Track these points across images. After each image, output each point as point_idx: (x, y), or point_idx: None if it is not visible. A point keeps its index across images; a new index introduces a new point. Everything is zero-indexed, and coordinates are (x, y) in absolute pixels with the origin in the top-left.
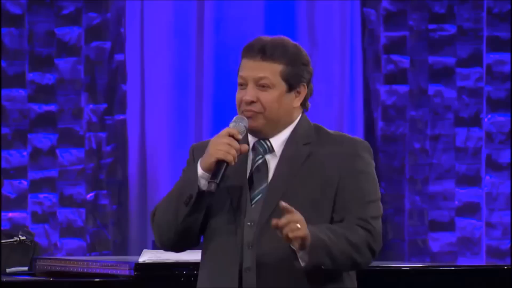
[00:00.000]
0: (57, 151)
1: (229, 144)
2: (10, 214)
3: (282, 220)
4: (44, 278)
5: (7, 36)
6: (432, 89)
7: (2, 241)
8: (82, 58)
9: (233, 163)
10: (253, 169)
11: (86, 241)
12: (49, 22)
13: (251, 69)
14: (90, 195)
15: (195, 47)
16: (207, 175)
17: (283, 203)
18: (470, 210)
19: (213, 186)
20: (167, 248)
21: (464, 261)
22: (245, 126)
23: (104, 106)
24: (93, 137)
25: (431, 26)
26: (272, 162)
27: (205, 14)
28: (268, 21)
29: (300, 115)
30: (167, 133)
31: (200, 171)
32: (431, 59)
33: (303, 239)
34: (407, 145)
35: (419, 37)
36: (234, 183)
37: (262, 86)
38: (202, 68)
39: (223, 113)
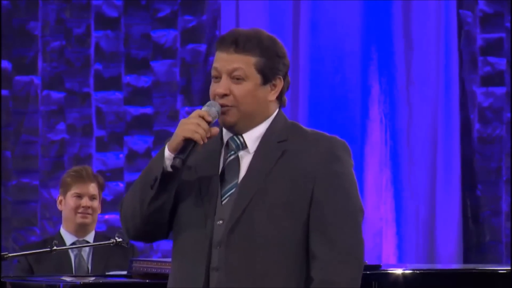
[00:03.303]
0: (153, 154)
1: (197, 124)
2: (107, 216)
3: None
4: (139, 280)
5: (103, 39)
6: None
7: (100, 243)
8: (178, 60)
9: (201, 142)
10: (224, 165)
11: None
12: (145, 24)
13: (225, 60)
14: None
15: (291, 48)
16: (173, 155)
17: None
18: None
19: (177, 162)
20: (135, 237)
21: None
22: (217, 111)
23: (200, 108)
24: None
25: None
26: (245, 159)
27: (301, 15)
28: (364, 22)
29: (277, 110)
30: None
31: (167, 152)
32: None
33: None
34: (504, 147)
35: None
36: (205, 178)
37: (235, 78)
38: (298, 70)
39: (318, 115)
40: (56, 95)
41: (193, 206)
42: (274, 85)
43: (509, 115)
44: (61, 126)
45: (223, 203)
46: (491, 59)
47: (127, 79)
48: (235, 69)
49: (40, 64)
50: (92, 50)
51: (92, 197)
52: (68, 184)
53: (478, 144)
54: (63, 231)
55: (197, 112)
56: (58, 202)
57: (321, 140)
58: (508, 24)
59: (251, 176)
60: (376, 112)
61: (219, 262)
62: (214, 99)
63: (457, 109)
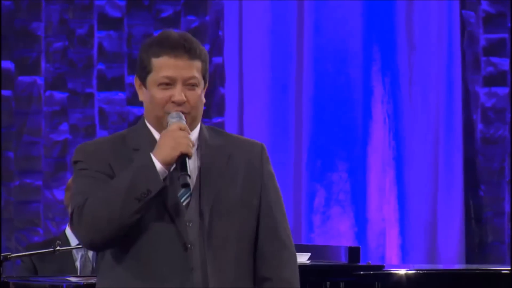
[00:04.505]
0: None
1: (189, 138)
2: None
3: None
4: None
5: (106, 39)
6: None
7: None
8: None
9: (191, 156)
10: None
11: None
12: (148, 25)
13: (181, 68)
14: None
15: (295, 49)
16: (165, 170)
17: None
18: None
19: (188, 179)
20: (98, 246)
21: None
22: (185, 123)
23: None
24: None
25: None
26: (191, 162)
27: (305, 15)
28: (367, 23)
29: None
30: (266, 135)
31: (159, 165)
32: None
33: None
34: (506, 148)
35: None
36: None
37: (190, 85)
38: (302, 70)
39: (322, 115)
40: (59, 95)
41: (154, 209)
42: (205, 88)
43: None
44: (64, 126)
45: (184, 204)
46: (494, 59)
47: (130, 79)
48: (191, 77)
49: (43, 64)
50: (95, 51)
51: None
52: None
53: (480, 145)
54: (69, 232)
55: (178, 125)
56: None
57: (253, 143)
58: (510, 25)
59: (208, 177)
60: (379, 113)
61: (195, 262)
62: (164, 106)
63: (460, 110)
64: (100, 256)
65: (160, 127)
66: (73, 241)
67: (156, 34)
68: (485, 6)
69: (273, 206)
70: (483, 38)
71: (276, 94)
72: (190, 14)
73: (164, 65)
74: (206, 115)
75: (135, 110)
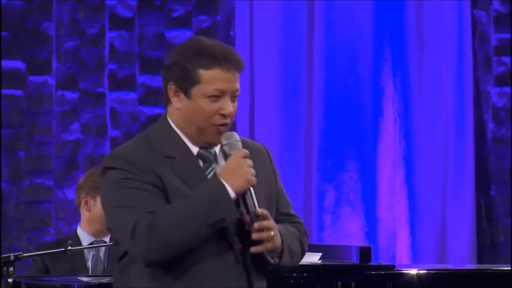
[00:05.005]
0: None
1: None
2: None
3: (264, 223)
4: None
5: (117, 39)
6: None
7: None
8: None
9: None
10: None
11: None
12: (159, 25)
13: (230, 81)
14: None
15: (306, 49)
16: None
17: (260, 210)
18: None
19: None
20: (150, 263)
21: None
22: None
23: None
24: None
25: None
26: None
27: (315, 15)
28: (378, 23)
29: None
30: (277, 135)
31: (232, 194)
32: None
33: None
34: None
35: None
36: None
37: (235, 97)
38: (312, 70)
39: (333, 115)
40: (70, 95)
41: None
42: None
43: None
44: (75, 126)
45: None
46: (505, 59)
47: (141, 79)
48: (237, 90)
49: (54, 64)
50: (106, 50)
51: None
52: None
53: (492, 144)
54: (80, 232)
55: (245, 153)
56: (82, 203)
57: (258, 146)
58: None
59: None
60: (389, 112)
61: (244, 266)
62: (212, 118)
63: (471, 109)
64: (115, 258)
65: (199, 137)
66: (85, 241)
67: (167, 34)
68: (496, 5)
69: (282, 197)
70: (494, 38)
71: (287, 93)
72: (202, 14)
73: (217, 78)
74: None
75: (146, 110)
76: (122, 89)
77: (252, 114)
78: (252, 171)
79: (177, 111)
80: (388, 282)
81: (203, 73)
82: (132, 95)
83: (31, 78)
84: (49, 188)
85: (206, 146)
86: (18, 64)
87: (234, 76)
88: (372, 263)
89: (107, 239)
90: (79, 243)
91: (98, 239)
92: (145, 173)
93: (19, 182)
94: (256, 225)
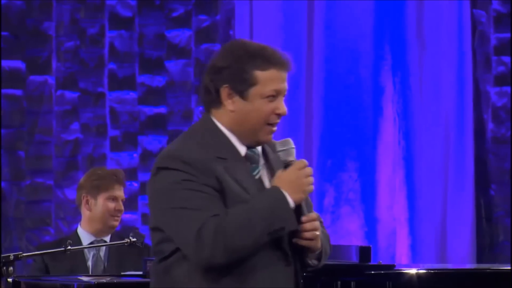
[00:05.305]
0: None
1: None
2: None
3: (315, 224)
4: None
5: (117, 38)
6: None
7: (114, 242)
8: (192, 60)
9: None
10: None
11: None
12: (159, 24)
13: (284, 81)
14: None
15: (305, 48)
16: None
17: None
18: None
19: None
20: (210, 265)
21: None
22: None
23: None
24: None
25: None
26: (262, 171)
27: (315, 15)
28: (377, 22)
29: None
30: (276, 134)
31: (292, 205)
32: None
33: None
34: None
35: None
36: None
37: (284, 96)
38: (312, 70)
39: (332, 114)
40: (70, 95)
41: None
42: None
43: None
44: (75, 126)
45: None
46: (505, 58)
47: (141, 79)
48: (286, 89)
49: (54, 64)
50: (106, 50)
51: (122, 200)
52: (104, 186)
53: (491, 144)
54: (81, 231)
55: (304, 163)
56: (83, 202)
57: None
58: None
59: None
60: (389, 112)
61: (292, 275)
62: (269, 117)
63: (471, 109)
64: (159, 258)
65: (250, 137)
66: (85, 240)
67: (167, 33)
68: (496, 5)
69: (310, 206)
70: (494, 38)
71: (287, 93)
72: (201, 14)
73: (274, 79)
74: None
75: (146, 110)
76: (122, 88)
77: None
78: (311, 179)
79: (229, 113)
80: (387, 282)
81: (260, 74)
82: (132, 95)
83: (31, 77)
84: (49, 188)
85: (252, 146)
86: (18, 64)
87: (285, 76)
88: (372, 262)
89: (107, 238)
90: (80, 243)
91: (99, 239)
92: (204, 175)
93: (19, 181)
94: (308, 225)
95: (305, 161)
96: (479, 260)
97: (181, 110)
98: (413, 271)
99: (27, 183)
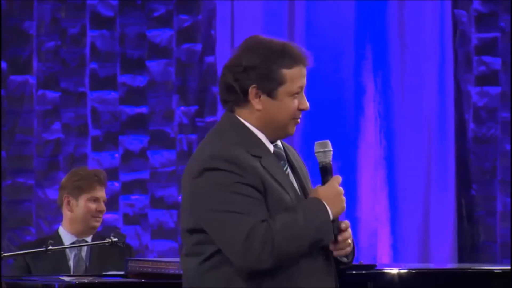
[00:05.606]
0: (148, 153)
1: None
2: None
3: (347, 234)
4: (136, 280)
5: (98, 38)
6: None
7: (95, 242)
8: (173, 60)
9: None
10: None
11: (178, 242)
12: (141, 24)
13: (305, 77)
14: (181, 197)
15: None
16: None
17: (344, 224)
18: None
19: None
20: (252, 270)
21: None
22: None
23: (195, 108)
24: (184, 139)
25: None
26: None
27: (296, 14)
28: (359, 22)
29: None
30: None
31: (331, 218)
32: None
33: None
34: (498, 147)
35: (510, 38)
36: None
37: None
38: None
39: (314, 114)
40: (51, 94)
41: None
42: None
43: (503, 114)
44: (56, 125)
45: None
46: (486, 58)
47: (122, 78)
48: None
49: (35, 63)
50: (87, 50)
51: (104, 201)
52: (85, 186)
53: (473, 144)
54: (62, 231)
55: (339, 180)
56: (64, 203)
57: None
58: (503, 24)
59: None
60: (371, 112)
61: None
62: (295, 114)
63: (452, 109)
64: (198, 259)
65: (278, 133)
66: (66, 240)
67: (148, 33)
68: (477, 5)
69: None
70: (475, 37)
71: None
72: (183, 13)
73: (299, 76)
74: (199, 115)
75: (128, 110)
76: (103, 88)
77: None
78: (344, 198)
79: (255, 112)
80: (369, 282)
81: (287, 72)
82: (114, 95)
83: (12, 77)
84: (30, 188)
85: (274, 142)
86: None
87: (305, 72)
88: (353, 262)
89: (89, 238)
90: (61, 243)
91: (80, 239)
92: (249, 175)
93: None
94: (340, 237)
95: (340, 178)
96: (460, 260)
97: (162, 110)
98: (394, 271)
99: (8, 183)
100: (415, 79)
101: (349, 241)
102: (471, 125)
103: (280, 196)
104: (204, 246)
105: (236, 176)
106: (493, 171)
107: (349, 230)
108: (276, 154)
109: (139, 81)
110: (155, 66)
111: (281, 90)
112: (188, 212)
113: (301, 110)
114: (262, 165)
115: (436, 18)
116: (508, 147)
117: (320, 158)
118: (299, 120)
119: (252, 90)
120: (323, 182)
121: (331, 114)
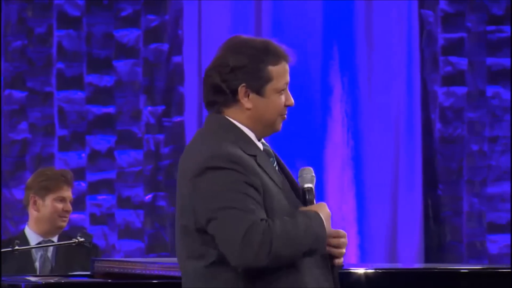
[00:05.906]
0: (115, 153)
1: None
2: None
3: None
4: (102, 280)
5: (65, 38)
6: (490, 90)
7: (62, 242)
8: (141, 60)
9: None
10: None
11: (144, 242)
12: (108, 24)
13: (288, 74)
14: (148, 197)
15: None
16: None
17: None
18: None
19: None
20: (247, 268)
21: None
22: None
23: (162, 108)
24: (151, 139)
25: (489, 28)
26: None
27: (263, 15)
28: (326, 22)
29: None
30: None
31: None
32: (489, 60)
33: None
34: (465, 147)
35: (476, 39)
36: (291, 194)
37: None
38: None
39: None
40: (18, 94)
41: None
42: None
43: (470, 115)
44: (23, 125)
45: None
46: (452, 58)
47: (89, 78)
48: None
49: (2, 63)
50: (54, 50)
51: (70, 201)
52: (52, 187)
53: (439, 144)
54: (28, 231)
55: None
56: (30, 203)
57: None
58: (469, 24)
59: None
60: (338, 112)
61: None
62: (282, 111)
63: (419, 109)
64: (205, 261)
65: (267, 130)
66: (32, 240)
67: (115, 33)
68: (443, 5)
69: None
70: (441, 38)
71: None
72: (150, 13)
73: (284, 72)
74: (166, 115)
75: (95, 109)
76: (70, 88)
77: (201, 113)
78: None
79: (245, 111)
80: None
81: (273, 69)
82: (80, 95)
83: None
84: None
85: (261, 139)
86: None
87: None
88: None
89: (55, 239)
90: (27, 243)
91: (46, 239)
92: (251, 174)
93: None
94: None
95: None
96: (427, 260)
97: (129, 110)
98: (361, 270)
99: None
100: (382, 79)
101: (341, 251)
102: (437, 125)
103: (278, 197)
104: (209, 248)
105: (239, 175)
106: (459, 171)
107: (346, 239)
108: (265, 151)
109: (106, 81)
110: (122, 66)
111: (269, 87)
112: (191, 211)
113: (288, 106)
114: (258, 164)
115: (403, 18)
116: (474, 147)
117: (304, 181)
118: (285, 116)
119: (241, 89)
120: (308, 202)
121: (299, 114)
